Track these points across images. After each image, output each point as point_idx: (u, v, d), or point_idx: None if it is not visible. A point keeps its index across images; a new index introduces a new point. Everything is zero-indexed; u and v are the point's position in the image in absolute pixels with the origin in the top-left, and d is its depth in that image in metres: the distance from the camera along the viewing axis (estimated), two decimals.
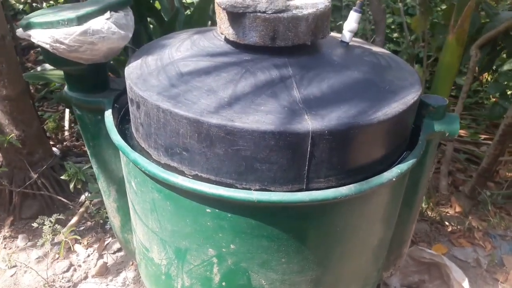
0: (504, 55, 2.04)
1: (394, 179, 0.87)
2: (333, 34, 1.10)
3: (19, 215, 1.85)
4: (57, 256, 1.71)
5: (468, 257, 1.73)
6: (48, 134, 2.25)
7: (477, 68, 1.82)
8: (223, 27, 0.94)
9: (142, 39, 1.96)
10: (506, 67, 2.63)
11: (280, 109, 0.80)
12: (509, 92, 1.90)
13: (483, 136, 2.69)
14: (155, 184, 0.89)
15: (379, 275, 1.19)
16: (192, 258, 0.94)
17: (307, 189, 0.83)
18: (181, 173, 0.86)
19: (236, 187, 0.83)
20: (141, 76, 0.93)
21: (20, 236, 1.80)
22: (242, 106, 0.80)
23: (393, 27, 3.10)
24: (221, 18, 0.93)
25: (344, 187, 0.82)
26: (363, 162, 0.86)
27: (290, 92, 0.84)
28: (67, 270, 1.67)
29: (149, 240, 1.04)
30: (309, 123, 0.77)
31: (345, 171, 0.84)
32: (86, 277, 1.65)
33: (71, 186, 1.60)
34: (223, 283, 0.95)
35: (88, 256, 1.72)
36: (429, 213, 1.96)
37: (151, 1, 2.06)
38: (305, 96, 0.83)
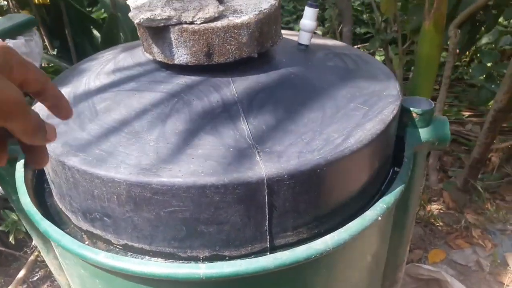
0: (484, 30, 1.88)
1: (380, 218, 0.68)
2: (287, 35, 0.91)
3: None
4: None
5: (469, 261, 1.58)
6: None
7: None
8: (146, 46, 0.74)
9: (88, 53, 1.75)
10: (484, 41, 2.49)
11: (223, 150, 0.61)
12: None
13: (466, 114, 2.56)
14: (78, 259, 0.69)
15: None
16: None
17: (272, 248, 0.64)
18: (108, 242, 0.67)
19: (180, 257, 0.63)
20: (47, 118, 0.72)
21: None
22: (174, 151, 0.61)
23: (361, 8, 2.93)
24: (142, 34, 0.73)
25: (318, 242, 0.63)
26: (338, 203, 0.67)
27: (236, 124, 0.65)
28: None
29: None
30: (262, 167, 0.58)
31: (317, 218, 0.65)
32: None
33: (11, 238, 1.38)
34: None
35: None
36: (422, 213, 1.80)
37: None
38: (255, 128, 0.64)
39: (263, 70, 0.75)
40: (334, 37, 2.40)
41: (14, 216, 1.37)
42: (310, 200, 0.63)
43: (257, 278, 0.64)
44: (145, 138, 0.63)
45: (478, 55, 2.48)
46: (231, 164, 0.58)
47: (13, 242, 1.43)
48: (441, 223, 1.77)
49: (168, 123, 0.65)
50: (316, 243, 0.62)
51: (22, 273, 1.56)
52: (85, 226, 0.68)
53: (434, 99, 1.85)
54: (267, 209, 0.60)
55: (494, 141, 1.76)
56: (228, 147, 0.61)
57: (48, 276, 1.63)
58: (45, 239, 1.04)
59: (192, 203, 0.58)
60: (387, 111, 0.71)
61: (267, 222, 0.61)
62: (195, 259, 0.63)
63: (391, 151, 0.82)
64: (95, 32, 1.87)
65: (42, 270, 1.65)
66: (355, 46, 2.81)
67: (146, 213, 0.60)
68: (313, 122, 0.66)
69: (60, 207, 0.74)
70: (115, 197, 0.60)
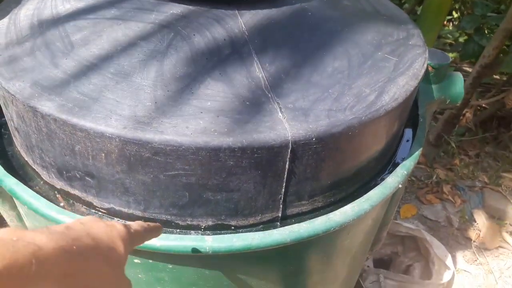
0: None
1: (400, 185, 0.62)
2: None
3: None
4: None
5: (439, 216, 1.60)
6: None
7: None
8: None
9: None
10: None
11: (238, 104, 0.50)
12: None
13: (450, 67, 2.54)
14: (51, 224, 0.58)
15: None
16: None
17: (283, 217, 0.56)
18: (88, 204, 0.56)
19: (177, 225, 0.54)
20: (6, 49, 0.57)
21: None
22: (177, 102, 0.49)
23: None
24: None
25: (337, 213, 0.55)
26: (359, 168, 0.59)
27: (249, 71, 0.53)
28: None
29: None
30: (287, 127, 0.48)
31: (336, 186, 0.57)
32: None
33: None
34: None
35: None
36: None
37: None
38: (273, 76, 0.53)
39: (275, 4, 0.62)
40: None
41: None
42: (334, 166, 0.54)
43: (266, 251, 0.56)
44: (138, 82, 0.51)
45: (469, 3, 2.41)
46: (249, 122, 0.48)
47: None
48: (412, 178, 1.78)
49: (165, 64, 0.52)
50: (335, 214, 0.55)
51: None
52: (59, 184, 0.56)
53: None
54: (285, 176, 0.51)
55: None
56: (244, 100, 0.50)
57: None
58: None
59: (200, 167, 0.47)
60: (418, 65, 0.62)
61: (283, 190, 0.53)
62: (196, 228, 0.54)
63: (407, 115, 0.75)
64: None
65: None
66: None
67: (142, 175, 0.49)
68: (340, 72, 0.56)
69: (26, 159, 0.61)
70: (103, 154, 0.48)
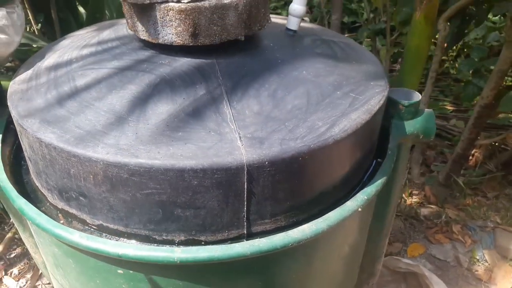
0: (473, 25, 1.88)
1: (360, 209, 0.68)
2: (276, 19, 0.89)
3: None
4: None
5: (448, 256, 1.60)
6: None
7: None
8: (131, 23, 0.71)
9: (72, 30, 1.70)
10: (472, 36, 2.48)
11: (204, 134, 0.59)
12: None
13: (451, 108, 2.58)
14: (52, 238, 0.68)
15: None
16: None
17: (249, 235, 0.64)
18: (83, 222, 0.65)
19: (155, 240, 0.63)
20: (26, 93, 0.70)
21: None
22: (153, 133, 0.59)
23: None
24: (127, 10, 0.71)
25: (295, 230, 0.62)
26: (318, 192, 0.67)
27: (219, 108, 0.63)
28: None
29: None
30: (243, 153, 0.57)
31: (296, 207, 0.65)
32: None
33: None
34: None
35: None
36: (402, 207, 1.81)
37: None
38: (238, 113, 0.63)
39: (249, 54, 0.73)
40: (322, 25, 2.38)
41: None
42: (290, 188, 0.62)
43: (232, 264, 0.63)
44: (125, 117, 0.62)
45: (465, 50, 2.49)
46: (211, 148, 0.57)
47: None
48: (421, 217, 1.79)
49: (149, 104, 0.63)
50: (294, 232, 0.62)
51: (0, 247, 1.53)
52: (60, 204, 0.67)
53: (419, 92, 1.85)
54: (245, 195, 0.59)
55: (478, 137, 1.77)
56: (209, 131, 0.60)
57: (25, 254, 1.60)
58: (21, 217, 1.02)
59: (169, 186, 0.57)
60: (374, 101, 0.71)
61: (245, 208, 0.61)
62: (171, 242, 0.62)
63: (375, 142, 0.82)
64: (81, 9, 1.83)
65: (19, 247, 1.63)
66: None
67: (123, 194, 0.58)
68: (298, 109, 0.66)
69: (37, 184, 0.72)
70: (91, 176, 0.58)
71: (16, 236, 1.63)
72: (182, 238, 0.62)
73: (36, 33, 1.78)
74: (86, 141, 0.58)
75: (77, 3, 1.80)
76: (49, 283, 1.52)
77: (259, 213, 0.62)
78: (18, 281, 1.53)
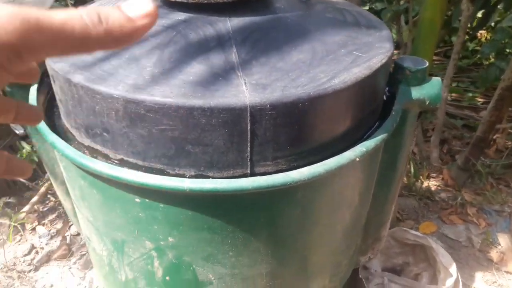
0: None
1: (357, 159, 0.73)
2: None
3: None
4: (18, 238, 1.61)
5: (460, 236, 1.62)
6: None
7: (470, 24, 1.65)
8: None
9: None
10: (505, 24, 2.44)
11: (212, 78, 0.66)
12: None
13: (481, 100, 2.54)
14: (79, 170, 0.77)
15: (352, 262, 1.08)
16: (131, 251, 0.82)
17: (252, 174, 0.70)
18: (106, 157, 0.73)
19: (168, 173, 0.70)
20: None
21: None
22: (167, 76, 0.66)
23: None
24: None
25: (295, 171, 0.68)
26: (318, 141, 0.72)
27: (227, 57, 0.70)
28: (28, 253, 1.58)
29: (88, 229, 0.92)
30: (247, 96, 0.63)
31: (296, 152, 0.71)
32: (48, 260, 1.55)
33: None
34: (167, 278, 0.83)
35: (51, 238, 1.62)
36: (418, 187, 1.83)
37: None
38: (245, 62, 0.69)
39: (260, 13, 0.79)
40: None
41: (28, 147, 1.46)
42: (291, 133, 0.68)
43: (236, 198, 0.70)
44: (143, 63, 0.69)
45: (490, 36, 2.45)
46: (219, 90, 0.64)
47: None
48: (437, 198, 1.80)
49: (165, 52, 0.70)
50: (293, 172, 0.68)
51: (35, 198, 1.67)
52: (87, 142, 0.75)
53: (442, 76, 1.86)
54: (249, 136, 0.66)
55: (499, 124, 1.77)
56: (218, 77, 0.66)
57: (56, 208, 1.73)
58: (53, 163, 1.13)
59: (180, 123, 0.64)
60: (376, 60, 0.75)
61: (248, 149, 0.67)
62: (182, 176, 0.69)
63: (379, 104, 0.86)
64: None
65: (51, 202, 1.76)
66: None
67: (140, 129, 0.66)
68: (302, 62, 0.71)
69: (66, 126, 0.81)
70: (113, 112, 0.66)
71: (49, 191, 1.76)
72: (192, 173, 0.69)
73: None
74: (109, 81, 0.66)
75: None
76: (77, 234, 1.64)
77: (262, 154, 0.68)
78: (49, 231, 1.66)
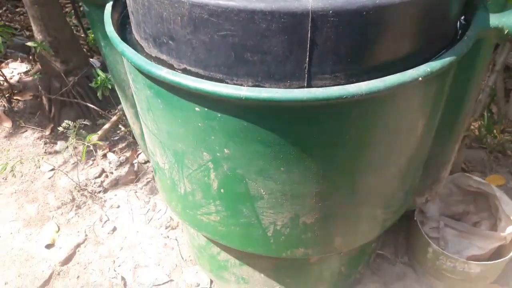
0: None
1: (420, 78, 0.70)
2: None
3: (58, 122, 1.90)
4: (91, 162, 1.76)
5: None
6: (90, 47, 2.26)
7: None
8: None
9: None
10: None
11: None
12: None
13: None
14: (146, 80, 0.81)
15: (407, 198, 1.06)
16: (190, 162, 0.88)
17: (309, 87, 0.70)
18: (171, 67, 0.77)
19: (227, 83, 0.72)
20: None
21: (58, 142, 1.86)
22: None
23: None
24: None
25: (353, 85, 0.67)
26: (381, 56, 0.70)
27: None
28: (99, 176, 1.72)
29: (152, 143, 0.99)
30: (310, 0, 0.62)
31: (357, 66, 0.69)
32: (116, 184, 1.69)
33: (99, 93, 1.58)
34: (222, 190, 0.88)
35: (120, 164, 1.76)
36: (490, 140, 1.73)
37: None
38: None
39: None
40: None
41: (102, 75, 1.56)
42: (352, 45, 0.66)
43: (290, 111, 0.71)
44: None
45: None
46: None
47: (100, 97, 1.64)
48: (509, 153, 1.69)
49: None
50: (350, 86, 0.67)
51: (107, 125, 1.80)
52: (154, 52, 0.79)
53: None
54: (308, 45, 0.65)
55: None
56: None
57: (126, 137, 1.86)
58: (124, 86, 1.20)
59: (241, 28, 0.64)
60: None
61: (307, 59, 0.67)
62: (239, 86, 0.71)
63: (451, 29, 0.81)
64: None
65: (121, 132, 1.89)
66: None
67: (203, 35, 0.68)
68: None
69: (136, 38, 0.85)
70: (179, 18, 0.68)
71: (120, 121, 1.89)
72: (250, 83, 0.71)
73: None
74: None
75: None
76: (144, 162, 1.76)
77: (320, 66, 0.68)
78: (119, 157, 1.79)
